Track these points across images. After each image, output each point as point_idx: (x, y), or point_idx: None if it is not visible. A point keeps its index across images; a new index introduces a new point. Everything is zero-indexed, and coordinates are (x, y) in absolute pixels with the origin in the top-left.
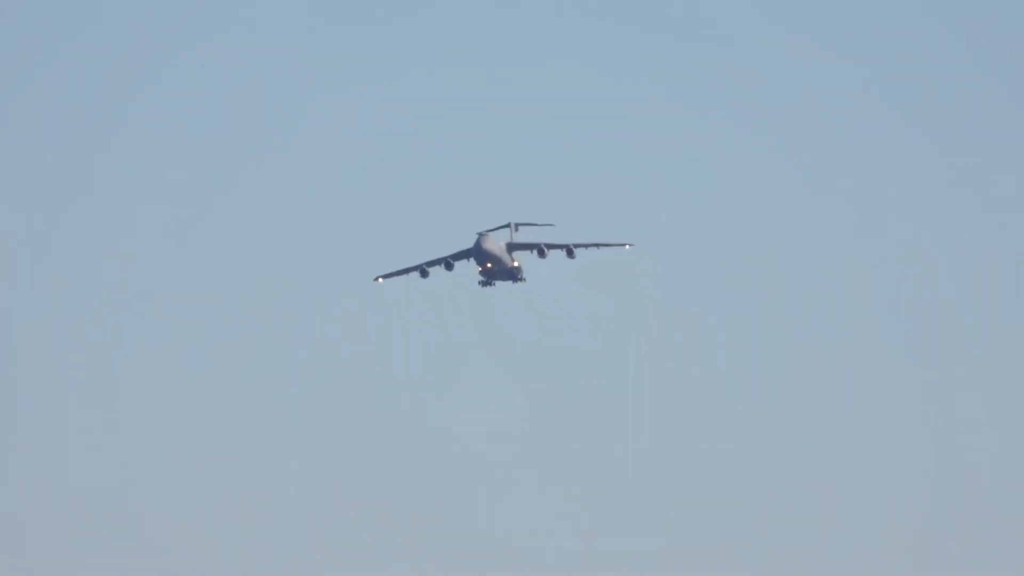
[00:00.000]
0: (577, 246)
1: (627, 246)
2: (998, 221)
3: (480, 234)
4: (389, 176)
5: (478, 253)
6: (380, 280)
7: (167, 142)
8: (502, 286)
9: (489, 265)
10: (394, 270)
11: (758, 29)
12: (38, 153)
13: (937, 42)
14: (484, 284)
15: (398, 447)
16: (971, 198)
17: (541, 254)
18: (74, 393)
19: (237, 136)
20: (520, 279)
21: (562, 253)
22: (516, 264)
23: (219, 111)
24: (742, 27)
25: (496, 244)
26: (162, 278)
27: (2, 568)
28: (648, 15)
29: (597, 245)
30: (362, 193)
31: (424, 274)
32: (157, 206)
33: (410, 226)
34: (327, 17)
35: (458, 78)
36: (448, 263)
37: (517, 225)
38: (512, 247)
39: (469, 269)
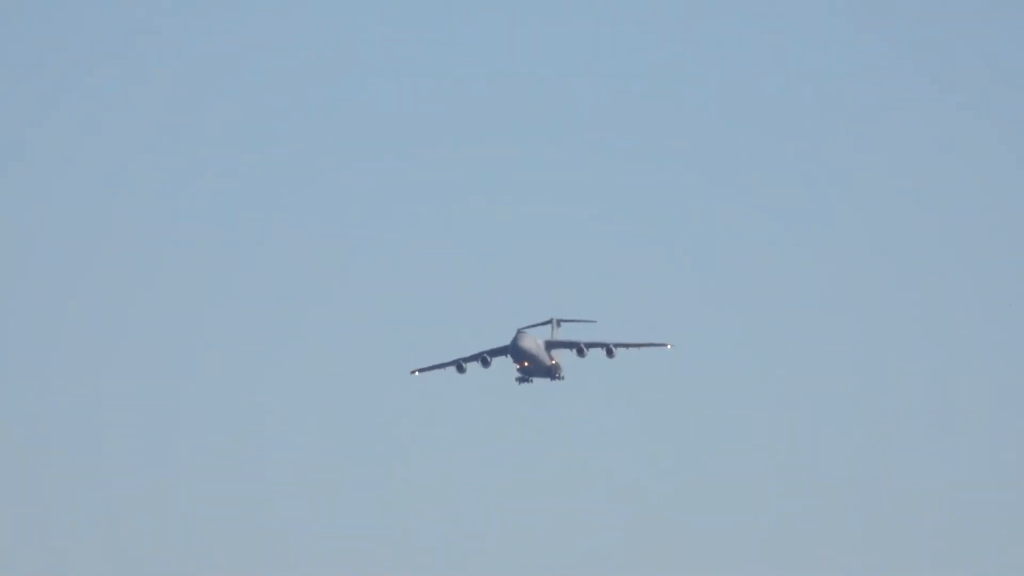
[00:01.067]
0: (617, 345)
1: (667, 346)
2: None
3: (518, 331)
4: (435, 264)
5: (515, 351)
6: (416, 373)
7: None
8: (540, 383)
9: (526, 363)
10: (431, 364)
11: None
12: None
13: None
14: (521, 381)
15: (432, 540)
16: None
17: (580, 353)
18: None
19: (275, 222)
20: (558, 377)
21: (601, 352)
22: (554, 362)
23: (250, 195)
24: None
25: (534, 342)
26: (192, 371)
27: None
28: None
29: (637, 345)
30: (403, 283)
31: (461, 369)
32: (175, 300)
33: (456, 318)
34: (358, 96)
35: (506, 170)
36: (485, 359)
37: (559, 321)
38: (551, 345)
39: (507, 365)
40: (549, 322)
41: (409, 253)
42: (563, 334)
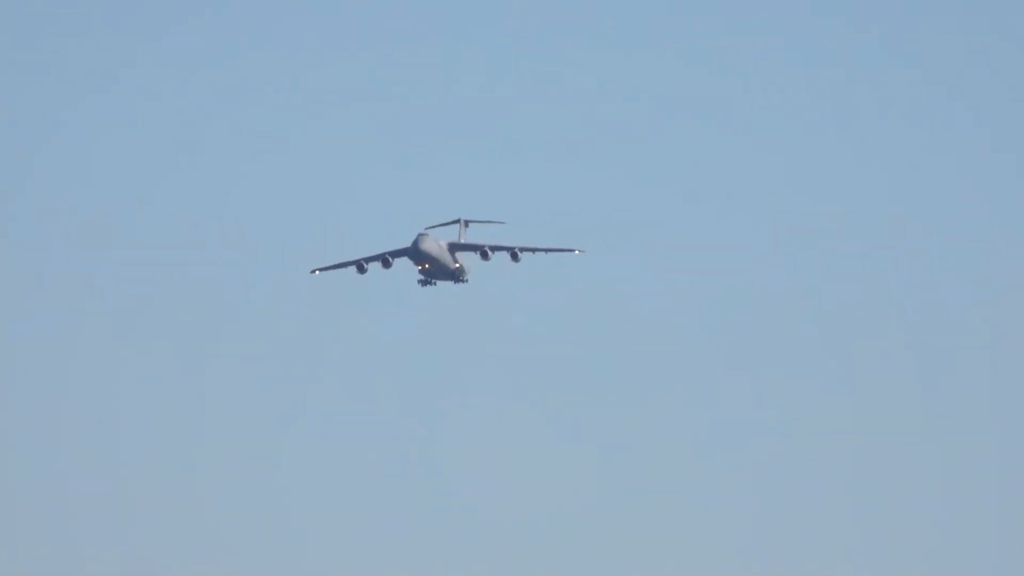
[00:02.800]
0: (523, 250)
1: (576, 251)
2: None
3: (420, 234)
4: (355, 164)
5: (415, 253)
6: (317, 272)
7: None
8: (443, 286)
9: (427, 265)
10: (332, 263)
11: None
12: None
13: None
14: (424, 283)
15: (334, 443)
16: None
17: (484, 256)
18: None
19: (177, 118)
20: (462, 280)
21: (506, 256)
22: (458, 265)
23: (163, 91)
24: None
25: (436, 245)
26: (97, 267)
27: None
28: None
29: (545, 250)
30: (318, 181)
31: (361, 269)
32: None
33: (363, 216)
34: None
35: (427, 70)
36: (386, 260)
37: (467, 222)
38: (455, 247)
39: (410, 266)
40: (457, 222)
41: (317, 147)
42: (471, 235)
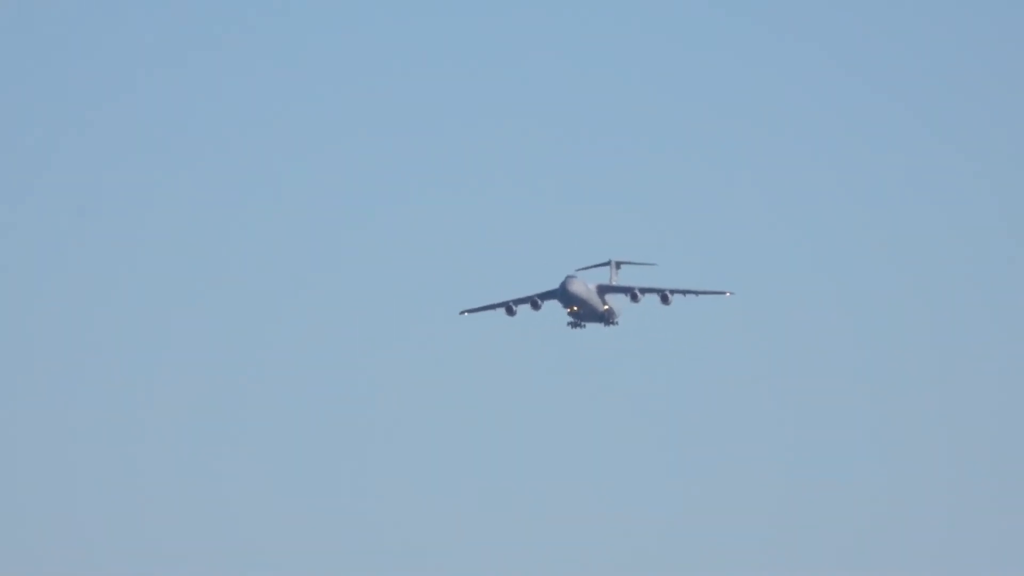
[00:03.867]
0: (673, 292)
1: (727, 294)
2: None
3: (568, 276)
4: (503, 203)
5: (563, 295)
6: (466, 314)
7: (234, 186)
8: (593, 328)
9: (575, 308)
10: (481, 304)
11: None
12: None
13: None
14: (573, 326)
15: (477, 482)
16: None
17: (634, 298)
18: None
19: (323, 165)
20: (612, 323)
21: (656, 298)
22: (607, 307)
23: (299, 146)
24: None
25: (584, 286)
26: (247, 314)
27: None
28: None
29: (695, 292)
30: (476, 219)
31: (511, 312)
32: (236, 248)
33: (519, 257)
34: (416, 48)
35: (582, 112)
36: (535, 302)
37: (619, 264)
38: (604, 289)
39: (559, 308)
40: (608, 264)
41: (470, 189)
42: (622, 277)
